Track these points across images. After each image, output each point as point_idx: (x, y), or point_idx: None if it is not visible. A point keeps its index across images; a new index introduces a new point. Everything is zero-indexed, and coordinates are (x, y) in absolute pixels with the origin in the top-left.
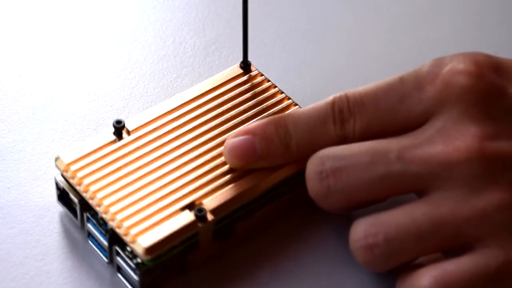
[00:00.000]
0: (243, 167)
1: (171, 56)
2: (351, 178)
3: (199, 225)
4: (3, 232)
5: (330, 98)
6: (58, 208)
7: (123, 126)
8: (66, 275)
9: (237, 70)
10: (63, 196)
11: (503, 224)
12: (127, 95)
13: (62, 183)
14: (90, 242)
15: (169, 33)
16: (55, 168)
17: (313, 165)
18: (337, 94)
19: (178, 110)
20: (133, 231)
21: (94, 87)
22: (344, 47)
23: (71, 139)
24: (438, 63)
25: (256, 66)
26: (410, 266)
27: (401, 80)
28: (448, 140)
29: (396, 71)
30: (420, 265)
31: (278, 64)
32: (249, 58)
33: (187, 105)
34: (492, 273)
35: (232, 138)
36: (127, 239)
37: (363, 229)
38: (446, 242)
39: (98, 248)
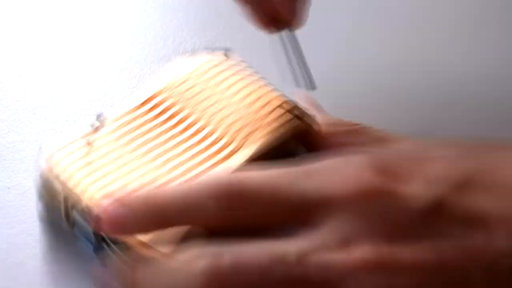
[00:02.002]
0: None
1: (171, 56)
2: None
3: None
4: (3, 232)
5: (215, 182)
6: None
7: (103, 120)
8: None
9: (220, 57)
10: None
11: None
12: (127, 95)
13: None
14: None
15: (169, 33)
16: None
17: (210, 255)
18: (226, 179)
19: (157, 97)
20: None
21: (94, 87)
22: (344, 47)
23: None
24: (340, 160)
25: (255, 65)
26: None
27: (301, 169)
28: (345, 248)
29: (395, 71)
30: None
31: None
32: (248, 58)
33: (165, 92)
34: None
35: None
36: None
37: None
38: None
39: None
